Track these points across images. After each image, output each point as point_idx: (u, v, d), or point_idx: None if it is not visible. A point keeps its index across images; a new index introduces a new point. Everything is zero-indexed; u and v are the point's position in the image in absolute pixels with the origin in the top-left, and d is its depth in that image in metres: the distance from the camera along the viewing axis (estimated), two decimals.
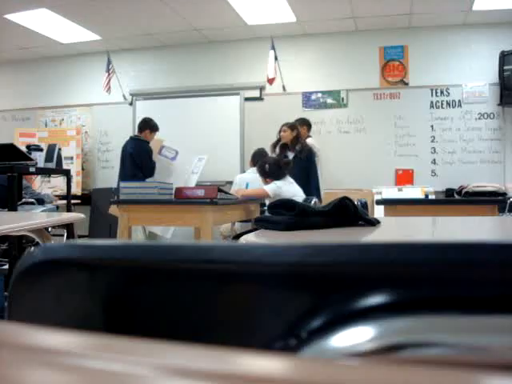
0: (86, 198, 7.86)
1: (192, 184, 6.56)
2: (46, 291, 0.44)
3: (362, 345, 0.33)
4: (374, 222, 1.56)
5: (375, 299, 0.35)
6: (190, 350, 0.23)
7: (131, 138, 6.54)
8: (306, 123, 6.52)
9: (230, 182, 6.26)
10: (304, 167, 5.73)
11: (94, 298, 0.42)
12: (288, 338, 0.36)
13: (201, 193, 4.19)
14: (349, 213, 1.51)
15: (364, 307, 0.35)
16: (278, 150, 5.97)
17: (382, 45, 7.23)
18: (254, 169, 5.46)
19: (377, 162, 7.11)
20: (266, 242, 1.30)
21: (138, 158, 6.30)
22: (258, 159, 5.51)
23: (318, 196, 5.55)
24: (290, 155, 5.82)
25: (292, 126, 5.97)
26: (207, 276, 0.39)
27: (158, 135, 6.70)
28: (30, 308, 0.45)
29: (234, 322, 0.40)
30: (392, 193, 6.37)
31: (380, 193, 6.41)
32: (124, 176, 6.18)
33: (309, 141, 6.19)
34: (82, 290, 0.43)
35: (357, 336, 0.34)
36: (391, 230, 1.75)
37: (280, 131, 5.97)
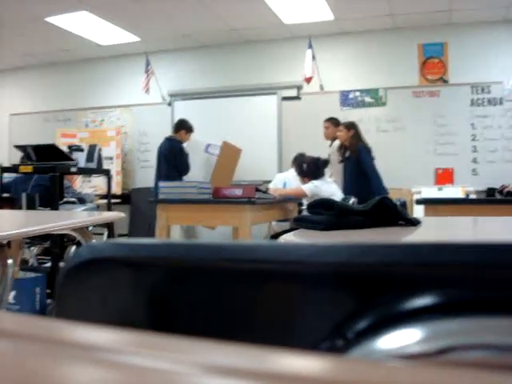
0: (126, 198, 7.98)
1: None
2: (92, 289, 0.44)
3: (411, 347, 0.33)
4: (415, 222, 1.54)
5: (424, 300, 0.34)
6: (233, 349, 0.23)
7: (166, 138, 6.68)
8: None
9: (268, 182, 6.27)
10: (357, 167, 5.41)
11: (139, 297, 0.43)
12: (335, 338, 0.35)
13: (239, 192, 4.21)
14: (389, 212, 1.49)
15: (412, 308, 0.34)
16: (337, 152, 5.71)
17: (421, 42, 7.12)
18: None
19: (416, 161, 7.00)
20: (305, 241, 1.30)
21: (172, 157, 6.44)
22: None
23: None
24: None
25: (349, 125, 5.67)
26: (251, 275, 0.39)
27: (193, 136, 6.79)
28: (77, 306, 0.45)
29: (279, 322, 0.39)
30: (431, 192, 6.27)
31: (419, 192, 6.33)
32: (159, 175, 6.34)
33: (336, 142, 5.90)
34: (127, 289, 0.43)
35: (405, 338, 0.33)
36: (433, 229, 1.72)
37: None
